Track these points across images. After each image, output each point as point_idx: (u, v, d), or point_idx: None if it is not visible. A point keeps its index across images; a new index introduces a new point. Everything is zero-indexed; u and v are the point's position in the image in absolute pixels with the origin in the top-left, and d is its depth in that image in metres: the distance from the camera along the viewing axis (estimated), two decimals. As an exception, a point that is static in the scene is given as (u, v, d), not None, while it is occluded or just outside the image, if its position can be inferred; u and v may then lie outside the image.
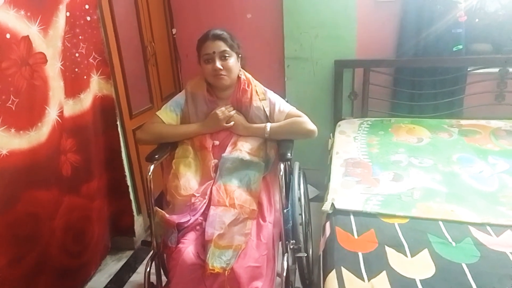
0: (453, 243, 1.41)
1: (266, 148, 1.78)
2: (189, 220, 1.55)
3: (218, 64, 1.69)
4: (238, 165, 1.67)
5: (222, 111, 1.76)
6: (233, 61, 1.73)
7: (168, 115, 1.81)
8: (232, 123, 1.76)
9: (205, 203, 1.59)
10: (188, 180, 1.65)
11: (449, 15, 2.53)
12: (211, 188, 1.62)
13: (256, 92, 1.81)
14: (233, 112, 1.78)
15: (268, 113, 1.80)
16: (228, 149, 1.74)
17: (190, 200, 1.59)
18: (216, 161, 1.71)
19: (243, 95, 1.79)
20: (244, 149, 1.71)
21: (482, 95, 2.67)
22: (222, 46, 1.70)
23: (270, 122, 1.78)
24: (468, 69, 2.69)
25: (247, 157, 1.69)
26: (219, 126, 1.76)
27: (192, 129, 1.79)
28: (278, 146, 1.75)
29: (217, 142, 1.76)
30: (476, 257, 1.34)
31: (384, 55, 2.79)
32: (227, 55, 1.71)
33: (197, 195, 1.60)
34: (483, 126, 2.50)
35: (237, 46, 1.75)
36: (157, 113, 1.81)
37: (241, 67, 1.82)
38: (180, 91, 1.90)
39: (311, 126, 1.75)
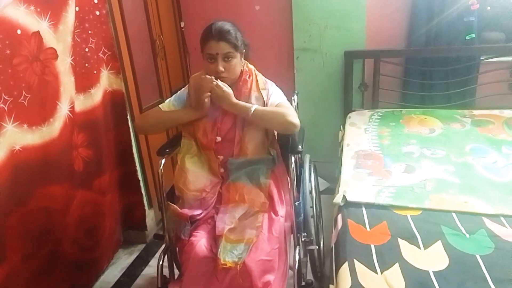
0: (467, 235, 1.40)
1: (267, 146, 1.76)
2: (201, 213, 1.56)
3: (221, 66, 1.63)
4: (246, 163, 1.68)
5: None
6: (236, 61, 1.67)
7: (169, 107, 1.77)
8: (209, 93, 1.66)
9: (215, 198, 1.61)
10: (196, 175, 1.66)
11: (460, 3, 2.48)
12: (221, 187, 1.64)
13: (257, 82, 1.76)
14: (221, 84, 1.67)
15: (265, 102, 1.74)
16: (235, 152, 1.71)
17: (201, 195, 1.61)
18: (221, 157, 1.71)
19: (244, 85, 1.75)
20: (249, 151, 1.70)
21: (495, 84, 2.63)
22: (226, 47, 1.62)
23: None
24: (481, 58, 2.65)
25: (253, 157, 1.69)
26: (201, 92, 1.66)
27: (182, 113, 1.74)
28: (282, 140, 1.73)
29: (219, 139, 1.72)
30: (490, 248, 1.33)
31: (395, 45, 2.75)
32: (230, 56, 1.65)
33: (207, 190, 1.61)
34: (496, 116, 2.46)
35: (241, 43, 1.68)
36: (160, 105, 1.79)
37: (244, 59, 1.76)
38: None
39: (293, 119, 1.62)
